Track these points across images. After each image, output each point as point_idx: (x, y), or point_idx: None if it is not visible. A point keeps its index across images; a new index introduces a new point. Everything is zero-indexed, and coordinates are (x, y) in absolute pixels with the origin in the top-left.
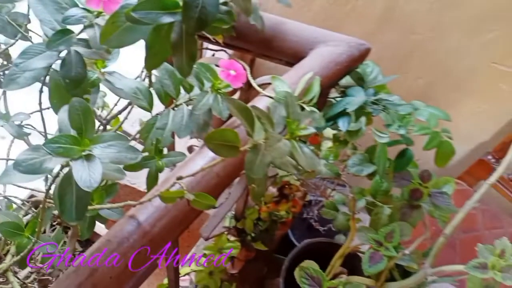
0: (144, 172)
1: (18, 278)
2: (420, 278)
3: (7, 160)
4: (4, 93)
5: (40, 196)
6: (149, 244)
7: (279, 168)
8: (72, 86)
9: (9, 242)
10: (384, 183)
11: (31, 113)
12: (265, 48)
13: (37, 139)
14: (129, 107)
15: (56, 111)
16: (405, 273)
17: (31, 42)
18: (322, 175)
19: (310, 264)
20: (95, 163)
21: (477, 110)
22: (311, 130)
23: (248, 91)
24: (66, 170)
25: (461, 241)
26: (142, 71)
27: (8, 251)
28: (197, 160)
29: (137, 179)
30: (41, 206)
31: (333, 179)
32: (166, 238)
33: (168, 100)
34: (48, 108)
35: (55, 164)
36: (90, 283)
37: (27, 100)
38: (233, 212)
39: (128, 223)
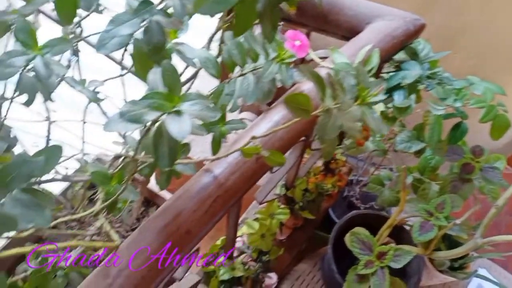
0: None
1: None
2: (470, 248)
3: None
4: (77, 61)
5: (129, 151)
6: (224, 195)
7: (347, 131)
8: (153, 52)
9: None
10: (433, 160)
11: (104, 81)
12: (322, 22)
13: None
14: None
15: (138, 75)
16: (451, 247)
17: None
18: (369, 151)
19: (361, 230)
20: (184, 117)
21: None
22: (381, 97)
23: (302, 63)
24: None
25: (507, 223)
26: (208, 43)
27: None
28: (262, 125)
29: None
30: (126, 160)
31: (371, 161)
32: (238, 190)
33: (234, 68)
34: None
35: (152, 117)
36: (175, 224)
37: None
38: (284, 182)
39: (205, 175)
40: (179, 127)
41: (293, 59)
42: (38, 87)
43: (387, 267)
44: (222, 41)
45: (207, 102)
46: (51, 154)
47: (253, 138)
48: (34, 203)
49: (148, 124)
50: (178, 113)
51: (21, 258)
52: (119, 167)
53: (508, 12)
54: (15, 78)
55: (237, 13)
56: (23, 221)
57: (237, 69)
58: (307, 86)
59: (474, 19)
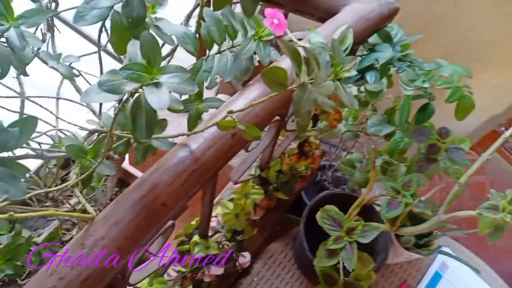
0: None
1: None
2: (434, 223)
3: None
4: (52, 35)
5: (106, 125)
6: (199, 169)
7: (321, 105)
8: (133, 25)
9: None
10: (401, 142)
11: (80, 57)
12: (300, 2)
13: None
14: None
15: (116, 49)
16: (416, 225)
17: None
18: (341, 134)
19: (331, 207)
20: (163, 89)
21: (493, 82)
22: (354, 72)
23: (279, 47)
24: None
25: (469, 207)
26: (186, 20)
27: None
28: (240, 101)
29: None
30: (102, 134)
31: (343, 147)
32: (213, 165)
33: (212, 45)
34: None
35: (130, 87)
36: (151, 196)
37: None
38: (259, 163)
39: (182, 150)
40: (157, 98)
41: (271, 37)
42: (12, 59)
43: (355, 242)
44: (201, 18)
45: (186, 75)
46: (26, 125)
47: (230, 112)
48: (8, 174)
49: (126, 96)
50: (157, 84)
51: None
52: (95, 141)
53: (480, 5)
54: None
55: None
56: None
57: (215, 47)
58: (283, 64)
59: (446, 9)
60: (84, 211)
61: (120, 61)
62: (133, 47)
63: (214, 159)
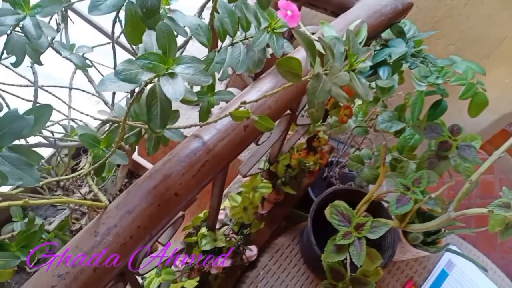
0: None
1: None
2: (443, 221)
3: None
4: (65, 25)
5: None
6: (211, 160)
7: (334, 96)
8: (147, 15)
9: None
10: (412, 139)
11: (93, 47)
12: None
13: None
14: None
15: (130, 39)
16: (425, 222)
17: None
18: (351, 130)
19: (340, 203)
20: (178, 79)
21: (504, 81)
22: (368, 63)
23: (291, 40)
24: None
25: (478, 205)
26: (200, 11)
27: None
28: (252, 93)
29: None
30: (114, 124)
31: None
32: (225, 157)
33: (225, 37)
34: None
35: (146, 77)
36: (164, 186)
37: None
38: (267, 156)
39: (194, 141)
40: (173, 88)
41: (284, 29)
42: (27, 48)
43: (364, 238)
44: (214, 9)
45: (201, 66)
46: (41, 113)
47: (244, 103)
48: (23, 161)
49: (140, 86)
50: (172, 75)
51: (6, 220)
52: (108, 131)
53: (492, 2)
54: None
55: None
56: (11, 179)
57: (227, 39)
58: (298, 56)
59: (459, 5)
60: (95, 200)
61: (131, 53)
62: (149, 37)
63: (226, 150)
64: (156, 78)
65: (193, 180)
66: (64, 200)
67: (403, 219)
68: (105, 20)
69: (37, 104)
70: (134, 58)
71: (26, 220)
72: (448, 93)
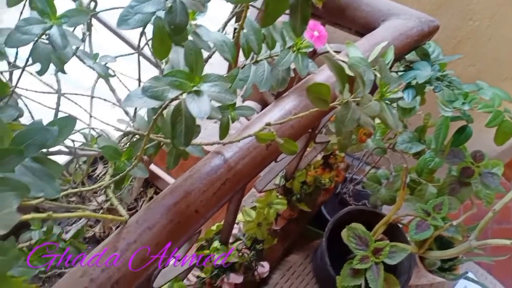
0: None
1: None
2: (465, 249)
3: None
4: (89, 35)
5: (138, 128)
6: (232, 178)
7: (361, 125)
8: (175, 32)
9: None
10: (432, 162)
11: (116, 57)
12: (338, 15)
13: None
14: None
15: (156, 54)
16: (442, 248)
17: None
18: (368, 149)
19: (358, 226)
20: (204, 97)
21: None
22: (400, 94)
23: (313, 57)
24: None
25: (494, 231)
26: (223, 27)
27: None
28: (275, 112)
29: None
30: (136, 136)
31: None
32: (246, 175)
33: (249, 55)
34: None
35: (173, 95)
36: (185, 202)
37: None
38: (284, 172)
39: (216, 158)
40: (198, 106)
41: (310, 50)
42: (52, 57)
43: (381, 263)
44: (241, 27)
45: (227, 85)
46: (65, 124)
47: (268, 124)
48: (45, 172)
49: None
50: (198, 93)
51: (24, 227)
52: (130, 143)
53: None
54: (24, 47)
55: (266, 4)
56: (33, 190)
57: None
58: (320, 77)
59: (480, 27)
60: (112, 210)
61: (153, 63)
62: (176, 54)
63: (248, 169)
64: (182, 95)
65: (214, 197)
66: (86, 214)
67: (421, 245)
68: (128, 30)
69: (59, 112)
70: (159, 74)
71: (44, 229)
72: (473, 119)
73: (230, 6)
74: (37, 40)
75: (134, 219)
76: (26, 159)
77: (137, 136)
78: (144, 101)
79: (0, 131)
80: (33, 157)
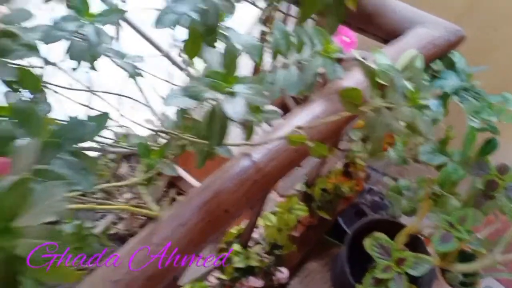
0: None
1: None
2: (489, 263)
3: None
4: (117, 34)
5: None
6: (261, 180)
7: (392, 131)
8: (208, 33)
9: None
10: (455, 174)
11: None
12: (364, 22)
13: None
14: None
15: (188, 54)
16: (463, 261)
17: None
18: (388, 158)
19: (381, 235)
20: (239, 99)
21: None
22: (431, 101)
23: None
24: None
25: None
26: (252, 30)
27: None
28: (302, 115)
29: None
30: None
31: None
32: (274, 177)
33: (276, 57)
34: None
35: (210, 95)
36: (215, 202)
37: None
38: (305, 179)
39: (245, 159)
40: (233, 107)
41: (339, 55)
42: (85, 54)
43: (405, 273)
44: (270, 30)
45: (261, 88)
46: (100, 121)
47: (299, 128)
48: (82, 166)
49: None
50: (233, 94)
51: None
52: (157, 143)
53: None
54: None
55: (302, 2)
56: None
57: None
58: (349, 82)
59: (505, 38)
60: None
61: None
62: (210, 55)
63: (276, 171)
64: (218, 96)
65: (243, 198)
66: (124, 207)
67: (444, 257)
68: (154, 31)
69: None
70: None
71: (75, 222)
72: (499, 131)
73: (252, 9)
74: (71, 37)
75: (166, 215)
76: (64, 153)
77: (163, 135)
78: (183, 100)
79: (38, 125)
80: (70, 151)
